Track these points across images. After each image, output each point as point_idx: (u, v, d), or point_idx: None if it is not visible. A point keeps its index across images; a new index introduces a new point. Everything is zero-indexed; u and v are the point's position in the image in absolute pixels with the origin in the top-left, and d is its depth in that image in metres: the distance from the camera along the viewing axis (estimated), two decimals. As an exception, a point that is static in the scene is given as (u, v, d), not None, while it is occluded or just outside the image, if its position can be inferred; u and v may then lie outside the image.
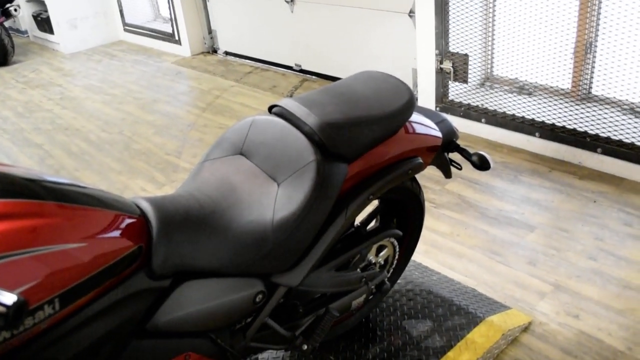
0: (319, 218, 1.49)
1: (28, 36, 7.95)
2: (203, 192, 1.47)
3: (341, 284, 1.77)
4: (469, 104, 3.72)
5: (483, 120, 3.63)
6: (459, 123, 3.77)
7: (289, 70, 5.31)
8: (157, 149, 4.02)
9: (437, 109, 3.87)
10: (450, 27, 3.62)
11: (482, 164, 1.91)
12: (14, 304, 0.77)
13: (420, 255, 2.61)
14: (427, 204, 3.01)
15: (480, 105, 3.66)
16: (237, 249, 1.39)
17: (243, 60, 5.83)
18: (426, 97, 3.93)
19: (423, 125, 1.86)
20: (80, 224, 1.12)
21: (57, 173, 3.81)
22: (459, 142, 2.01)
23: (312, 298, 1.76)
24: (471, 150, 1.97)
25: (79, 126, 4.59)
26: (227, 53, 6.03)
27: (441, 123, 1.95)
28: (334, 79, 4.90)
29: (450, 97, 3.81)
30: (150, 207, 1.32)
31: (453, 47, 3.67)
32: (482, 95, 3.66)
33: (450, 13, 3.59)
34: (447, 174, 2.05)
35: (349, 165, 1.58)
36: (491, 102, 3.61)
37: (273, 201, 1.45)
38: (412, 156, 1.78)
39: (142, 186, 3.53)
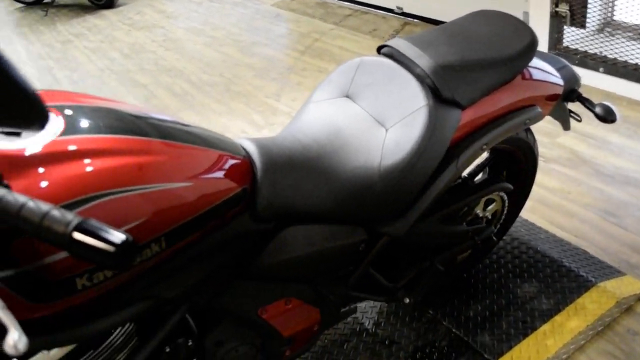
0: (428, 167, 1.40)
1: (133, -22, 8.13)
2: (308, 135, 1.42)
3: (447, 236, 1.68)
4: (585, 52, 3.43)
5: (601, 69, 3.34)
6: (573, 72, 3.50)
7: (390, 13, 5.12)
8: (257, 92, 4.02)
9: (550, 56, 3.60)
10: (570, -35, 3.32)
11: (606, 116, 1.74)
12: (123, 242, 0.74)
13: (527, 211, 2.47)
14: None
15: (598, 53, 3.37)
16: (342, 195, 1.34)
17: (342, 2, 5.67)
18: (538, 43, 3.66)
19: (543, 71, 1.71)
20: (187, 163, 1.10)
21: (161, 112, 3.89)
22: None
23: (415, 249, 1.69)
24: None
25: (181, 67, 4.67)
26: (326, -5, 5.89)
27: (562, 69, 1.79)
28: (437, 22, 4.68)
29: (565, 44, 3.53)
30: (255, 149, 1.28)
31: (573, -12, 3.36)
32: (601, 42, 3.36)
33: (570, -50, 3.28)
34: (566, 126, 1.89)
35: (462, 111, 1.47)
36: (611, 49, 3.30)
37: (380, 147, 1.38)
38: (529, 105, 1.63)
39: (242, 128, 3.55)
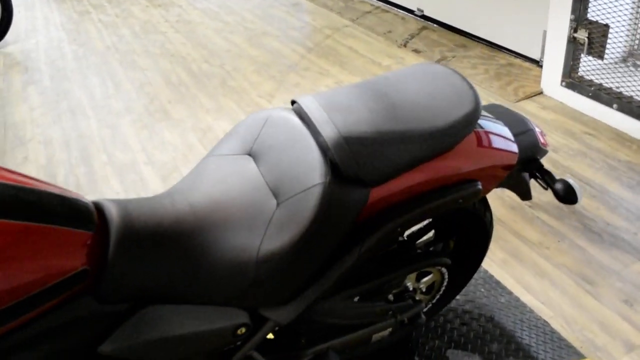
0: (319, 253, 1.21)
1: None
2: (189, 200, 1.24)
3: (361, 316, 1.49)
4: (600, 84, 3.14)
5: (615, 105, 3.05)
6: (585, 105, 3.22)
7: (410, 15, 4.85)
8: (252, 89, 3.84)
9: (563, 83, 3.32)
10: (594, -11, 3.02)
11: (566, 196, 1.51)
12: None
13: (495, 265, 2.25)
14: (523, 202, 2.59)
15: (614, 88, 3.07)
16: (214, 278, 1.16)
17: (366, -3, 5.41)
18: (552, 68, 3.38)
19: (496, 135, 1.48)
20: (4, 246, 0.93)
21: (151, 102, 3.76)
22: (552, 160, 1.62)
23: (320, 327, 1.50)
24: (557, 175, 1.57)
25: (185, 54, 4.51)
26: (350, -13, 5.63)
27: (524, 134, 1.55)
28: (456, 30, 4.40)
29: (580, 73, 3.24)
30: (116, 216, 1.10)
31: (592, 15, 3.06)
32: (619, 76, 3.06)
33: (597, -29, 2.98)
34: (525, 196, 1.66)
35: (373, 188, 1.26)
36: (630, 85, 3.01)
37: (265, 226, 1.19)
38: (469, 179, 1.41)
39: (225, 129, 3.38)
